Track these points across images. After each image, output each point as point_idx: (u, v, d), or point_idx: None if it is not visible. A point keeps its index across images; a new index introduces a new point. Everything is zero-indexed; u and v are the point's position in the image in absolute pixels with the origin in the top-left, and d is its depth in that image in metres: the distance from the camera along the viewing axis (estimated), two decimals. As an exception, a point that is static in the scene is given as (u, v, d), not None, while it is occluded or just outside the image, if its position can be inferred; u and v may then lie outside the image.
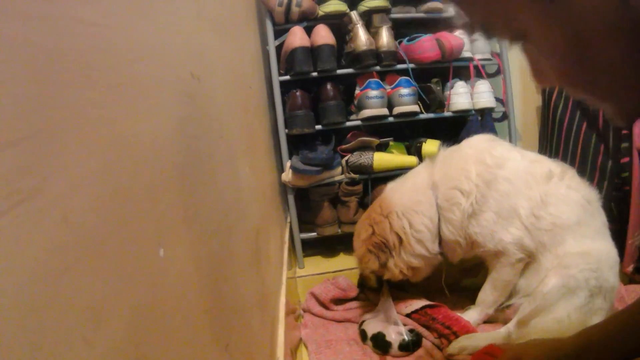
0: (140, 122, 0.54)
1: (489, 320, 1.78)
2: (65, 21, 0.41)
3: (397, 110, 2.21)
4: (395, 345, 1.68)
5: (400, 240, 1.78)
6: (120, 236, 0.47)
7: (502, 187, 1.68)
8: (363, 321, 1.81)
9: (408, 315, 1.81)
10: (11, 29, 0.34)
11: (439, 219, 1.76)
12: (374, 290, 1.95)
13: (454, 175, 1.74)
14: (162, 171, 0.59)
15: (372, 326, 1.76)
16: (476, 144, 1.81)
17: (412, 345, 1.67)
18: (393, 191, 1.88)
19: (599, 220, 1.71)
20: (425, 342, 1.72)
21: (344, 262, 2.30)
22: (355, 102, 2.26)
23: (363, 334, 1.76)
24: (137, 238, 0.51)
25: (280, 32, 2.22)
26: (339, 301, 2.02)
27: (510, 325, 1.64)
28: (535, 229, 1.65)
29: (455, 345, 1.63)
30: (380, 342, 1.70)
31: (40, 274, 0.34)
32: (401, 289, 1.95)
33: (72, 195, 0.39)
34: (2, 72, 0.32)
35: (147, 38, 0.60)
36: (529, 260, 1.69)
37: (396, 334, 1.70)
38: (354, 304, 2.01)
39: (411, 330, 1.71)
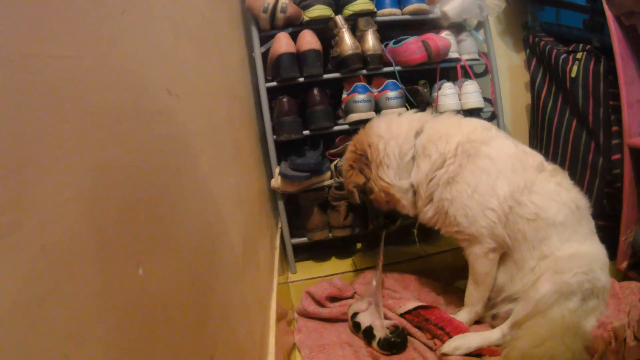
0: (115, 146, 0.55)
1: (481, 321, 1.80)
2: (36, 58, 0.43)
3: (384, 113, 2.20)
4: (374, 342, 1.71)
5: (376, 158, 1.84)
6: (99, 259, 0.49)
7: (482, 162, 1.67)
8: (357, 313, 1.83)
9: (401, 316, 1.83)
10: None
11: (413, 162, 1.80)
12: (361, 212, 2.05)
13: (438, 133, 1.77)
14: (139, 191, 0.60)
15: (366, 319, 1.80)
16: (474, 121, 1.83)
17: (388, 346, 1.69)
18: (381, 119, 1.94)
19: (587, 227, 1.70)
20: (417, 343, 1.73)
21: (336, 266, 2.32)
22: (343, 106, 2.26)
23: (357, 326, 1.79)
24: (115, 259, 0.52)
25: (265, 38, 2.22)
26: (334, 299, 2.03)
27: (504, 326, 1.65)
28: (514, 214, 1.64)
29: (449, 345, 1.65)
30: (368, 335, 1.75)
31: (22, 301, 0.36)
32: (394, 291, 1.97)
33: (49, 226, 0.41)
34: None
35: (119, 62, 0.61)
36: (502, 250, 1.69)
37: (381, 330, 1.72)
38: (349, 301, 2.02)
39: (395, 329, 1.73)
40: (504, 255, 1.70)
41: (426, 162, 1.74)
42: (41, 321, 0.38)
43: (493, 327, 1.73)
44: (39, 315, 0.38)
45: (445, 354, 1.63)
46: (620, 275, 2.00)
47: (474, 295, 1.77)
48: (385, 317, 1.82)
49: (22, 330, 0.36)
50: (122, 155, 0.57)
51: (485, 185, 1.65)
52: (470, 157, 1.68)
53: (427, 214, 1.78)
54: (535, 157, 1.74)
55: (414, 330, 1.78)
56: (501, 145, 1.72)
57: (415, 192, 1.80)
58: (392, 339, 1.70)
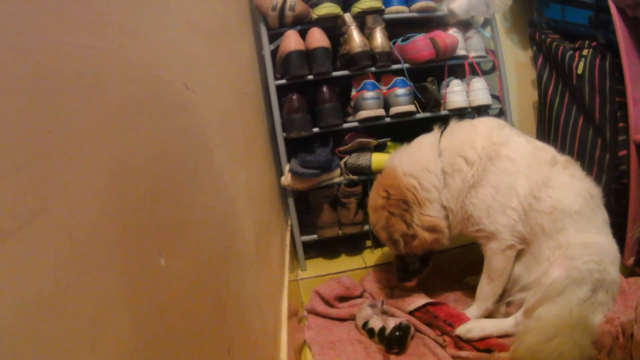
0: (136, 137, 0.56)
1: (490, 316, 1.78)
2: (60, 46, 0.43)
3: (393, 110, 2.22)
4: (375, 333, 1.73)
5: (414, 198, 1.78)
6: (123, 248, 0.49)
7: (503, 164, 1.68)
8: (367, 322, 1.82)
9: (410, 313, 1.83)
10: (8, 59, 0.36)
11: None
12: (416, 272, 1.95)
13: (460, 144, 1.75)
14: (159, 183, 0.61)
15: (377, 323, 1.78)
16: (486, 122, 1.81)
17: (387, 340, 1.68)
18: (398, 156, 1.88)
19: (600, 217, 1.72)
20: (428, 340, 1.73)
21: (345, 264, 2.31)
22: (352, 103, 2.27)
23: (371, 333, 1.77)
24: (138, 249, 0.53)
25: (274, 36, 2.22)
26: (343, 299, 2.03)
27: (518, 315, 1.66)
28: (533, 210, 1.65)
29: (463, 327, 1.67)
30: (382, 336, 1.72)
31: (48, 287, 0.37)
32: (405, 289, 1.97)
33: (75, 213, 0.42)
34: (2, 102, 0.34)
35: (138, 55, 0.62)
36: (520, 247, 1.69)
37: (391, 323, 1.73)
38: (358, 301, 2.02)
39: (399, 326, 1.71)
40: (521, 249, 1.71)
41: (457, 178, 1.72)
42: (67, 309, 0.39)
43: (508, 314, 1.74)
44: (64, 303, 0.39)
45: (459, 336, 1.66)
46: (627, 272, 1.99)
47: (487, 290, 1.76)
48: (394, 316, 1.82)
49: (50, 317, 0.37)
50: (143, 146, 0.58)
51: (506, 185, 1.66)
52: (492, 159, 1.68)
53: (456, 228, 1.78)
54: (548, 151, 1.75)
55: (423, 327, 1.77)
56: (517, 144, 1.73)
57: (447, 215, 1.78)
58: (395, 334, 1.68)
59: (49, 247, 0.37)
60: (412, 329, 1.75)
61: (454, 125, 1.86)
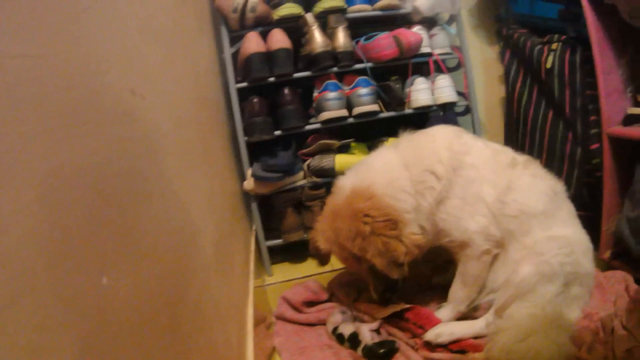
0: (75, 148, 0.53)
1: (460, 318, 1.77)
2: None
3: (356, 110, 2.21)
4: (359, 348, 1.69)
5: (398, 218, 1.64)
6: (60, 268, 0.47)
7: (468, 173, 1.65)
8: (336, 327, 1.79)
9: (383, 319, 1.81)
10: None
11: None
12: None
13: (425, 158, 1.67)
14: (100, 196, 0.58)
15: (347, 328, 1.76)
16: (443, 131, 1.77)
17: (372, 355, 1.65)
18: (363, 175, 1.71)
19: (566, 210, 1.72)
20: (400, 343, 1.71)
21: (312, 268, 2.30)
22: (314, 105, 2.25)
23: (340, 338, 1.75)
24: (77, 268, 0.50)
25: (235, 38, 2.20)
26: (311, 304, 2.01)
27: (489, 315, 1.65)
28: (501, 214, 1.63)
29: (432, 332, 1.64)
30: (353, 342, 1.71)
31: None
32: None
33: (6, 233, 0.39)
34: None
35: (80, 62, 0.59)
36: (497, 251, 1.67)
37: (367, 335, 1.70)
38: (326, 305, 2.00)
39: (384, 342, 1.69)
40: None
41: (429, 196, 1.65)
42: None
43: (475, 318, 1.72)
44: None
45: (428, 342, 1.63)
46: (604, 266, 2.00)
47: (460, 294, 1.74)
48: (364, 321, 1.80)
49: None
50: (83, 157, 0.55)
51: (472, 194, 1.64)
52: (456, 170, 1.65)
53: (429, 242, 1.71)
54: (507, 153, 1.75)
55: (394, 330, 1.76)
56: (478, 150, 1.71)
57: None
58: (379, 351, 1.64)
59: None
60: (397, 344, 1.70)
61: (410, 138, 1.79)
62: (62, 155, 0.50)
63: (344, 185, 1.72)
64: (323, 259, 1.81)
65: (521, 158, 1.74)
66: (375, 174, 1.70)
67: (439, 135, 1.75)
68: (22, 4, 0.47)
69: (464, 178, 1.64)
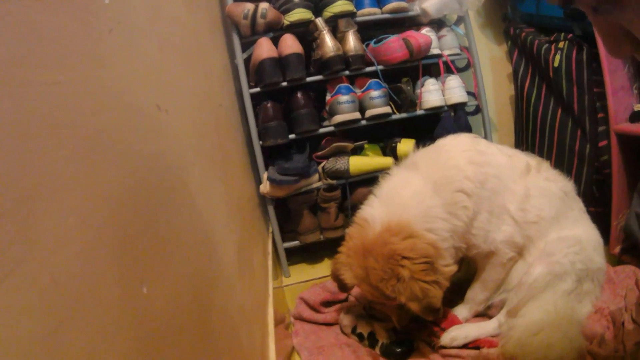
0: (110, 170, 0.56)
1: (476, 315, 1.78)
2: (30, 86, 0.43)
3: (369, 113, 2.22)
4: (377, 346, 1.71)
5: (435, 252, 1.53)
6: (105, 282, 0.49)
7: (492, 185, 1.61)
8: (355, 326, 1.81)
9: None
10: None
11: None
12: None
13: (452, 178, 1.59)
14: (137, 211, 0.61)
15: (365, 327, 1.78)
16: (458, 143, 1.71)
17: (390, 354, 1.67)
18: (401, 209, 1.57)
19: (576, 209, 1.72)
20: (416, 341, 1.73)
21: (328, 268, 2.29)
22: (327, 108, 2.27)
23: (360, 337, 1.77)
24: (120, 280, 0.53)
25: (247, 44, 2.22)
26: (328, 304, 2.02)
27: (501, 316, 1.66)
28: (524, 222, 1.63)
29: (446, 336, 1.64)
30: (372, 340, 1.73)
31: (37, 334, 0.36)
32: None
33: (56, 255, 0.41)
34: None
35: (108, 83, 0.61)
36: (519, 257, 1.67)
37: (384, 333, 1.72)
38: (344, 305, 2.01)
39: (402, 341, 1.70)
40: None
41: (463, 216, 1.57)
42: (57, 353, 0.39)
43: (489, 317, 1.73)
44: (53, 347, 0.38)
45: (443, 347, 1.63)
46: (615, 260, 2.01)
47: (479, 296, 1.75)
48: (381, 320, 1.82)
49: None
50: (118, 175, 0.58)
51: (498, 206, 1.62)
52: (483, 183, 1.60)
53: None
54: (519, 157, 1.72)
55: (412, 328, 1.77)
56: (496, 159, 1.68)
57: None
58: (397, 349, 1.67)
59: (34, 294, 0.37)
60: (415, 342, 1.72)
61: (426, 156, 1.72)
62: (99, 176, 0.53)
63: (373, 218, 1.59)
64: (344, 289, 1.76)
65: (533, 161, 1.72)
66: (408, 205, 1.57)
67: (457, 148, 1.68)
68: (47, 30, 0.49)
69: (489, 191, 1.61)
